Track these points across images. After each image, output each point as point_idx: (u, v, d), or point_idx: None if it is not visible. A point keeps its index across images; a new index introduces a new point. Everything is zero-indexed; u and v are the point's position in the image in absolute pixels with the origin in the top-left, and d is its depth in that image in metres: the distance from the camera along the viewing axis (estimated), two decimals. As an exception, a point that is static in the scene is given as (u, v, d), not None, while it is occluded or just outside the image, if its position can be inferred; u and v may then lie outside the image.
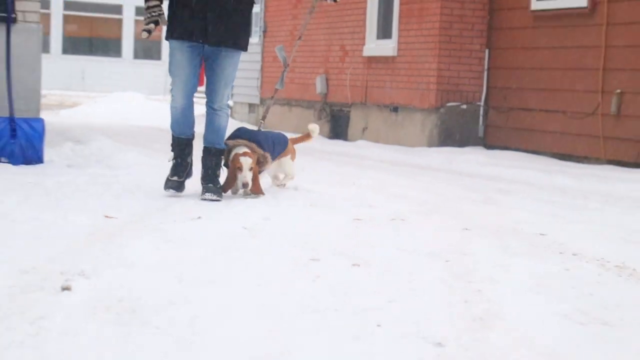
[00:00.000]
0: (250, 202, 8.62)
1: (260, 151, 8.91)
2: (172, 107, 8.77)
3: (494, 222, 8.34)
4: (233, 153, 8.83)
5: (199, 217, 7.65)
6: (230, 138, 9.04)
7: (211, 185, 8.75)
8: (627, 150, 14.20)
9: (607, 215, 9.10)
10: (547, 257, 6.72)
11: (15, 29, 11.40)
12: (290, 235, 7.10)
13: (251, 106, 24.39)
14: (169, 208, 8.09)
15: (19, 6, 11.53)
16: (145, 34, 8.57)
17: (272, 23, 23.49)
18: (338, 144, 18.74)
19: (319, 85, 20.78)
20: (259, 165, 8.92)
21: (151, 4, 8.55)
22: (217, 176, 8.88)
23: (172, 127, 8.86)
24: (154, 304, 4.89)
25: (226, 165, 9.01)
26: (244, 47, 8.78)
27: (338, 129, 20.33)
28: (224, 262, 6.03)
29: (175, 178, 8.77)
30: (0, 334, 4.26)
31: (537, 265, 6.41)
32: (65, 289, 5.10)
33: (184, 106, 8.71)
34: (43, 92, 22.54)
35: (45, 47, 42.01)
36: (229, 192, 9.04)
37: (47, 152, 11.09)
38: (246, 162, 8.68)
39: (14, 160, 10.66)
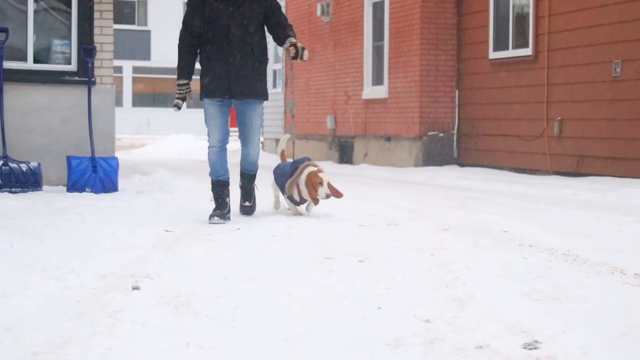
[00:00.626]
0: (278, 215, 8.57)
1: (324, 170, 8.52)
2: (209, 152, 8.31)
3: (467, 223, 8.27)
4: (307, 171, 8.36)
5: (238, 229, 7.59)
6: (293, 166, 8.61)
7: (247, 202, 8.64)
8: (568, 163, 14.16)
9: (555, 214, 9.03)
10: (509, 249, 6.65)
11: (95, 89, 11.43)
12: (309, 239, 7.05)
13: (277, 141, 24.36)
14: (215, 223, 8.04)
15: (97, 72, 11.57)
16: (175, 109, 8.23)
17: (291, 75, 23.47)
18: (345, 167, 18.70)
19: (329, 122, 20.74)
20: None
21: (181, 82, 8.16)
22: (253, 195, 8.66)
23: (211, 172, 8.38)
24: (204, 297, 4.85)
25: (290, 198, 8.61)
26: (263, 97, 8.38)
27: (345, 155, 20.28)
28: (258, 263, 5.98)
29: (218, 211, 8.16)
30: (86, 324, 4.24)
31: (502, 255, 6.34)
32: (136, 288, 5.07)
33: (219, 150, 8.28)
34: (117, 136, 22.56)
35: (119, 102, 42.15)
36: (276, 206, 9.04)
37: (121, 183, 11.08)
38: (325, 177, 8.30)
39: (96, 189, 10.66)
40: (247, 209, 8.65)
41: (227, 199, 8.28)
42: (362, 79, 19.36)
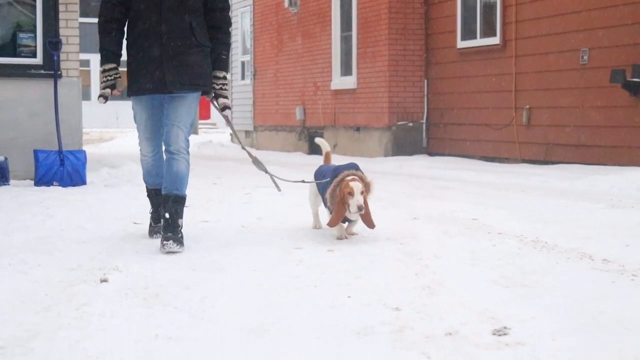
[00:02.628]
0: (246, 205, 8.53)
1: (367, 179, 6.67)
2: (142, 160, 6.72)
3: (436, 211, 8.28)
4: (339, 179, 6.52)
5: (206, 221, 7.55)
6: (335, 173, 6.66)
7: (171, 234, 6.10)
8: (537, 151, 14.21)
9: (524, 202, 9.06)
10: (478, 236, 6.67)
11: (61, 82, 11.33)
12: (278, 229, 7.04)
13: (247, 133, 24.30)
14: (183, 214, 7.99)
15: (63, 65, 11.46)
16: (102, 100, 6.47)
17: (260, 67, 23.39)
18: (315, 159, 18.62)
19: (298, 114, 20.72)
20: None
21: (107, 66, 6.43)
22: (178, 226, 6.22)
23: (145, 179, 6.86)
24: (173, 289, 4.84)
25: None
26: (205, 88, 6.50)
27: (314, 146, 20.24)
28: (226, 253, 5.96)
29: (159, 224, 6.53)
30: (52, 318, 4.21)
31: (471, 243, 6.37)
32: (104, 281, 5.04)
33: (153, 157, 6.64)
34: (86, 130, 22.37)
35: (87, 96, 41.95)
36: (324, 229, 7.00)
37: (89, 176, 11.00)
38: (357, 186, 6.36)
39: (63, 183, 10.58)
40: (171, 241, 6.05)
41: None
42: (330, 69, 19.34)
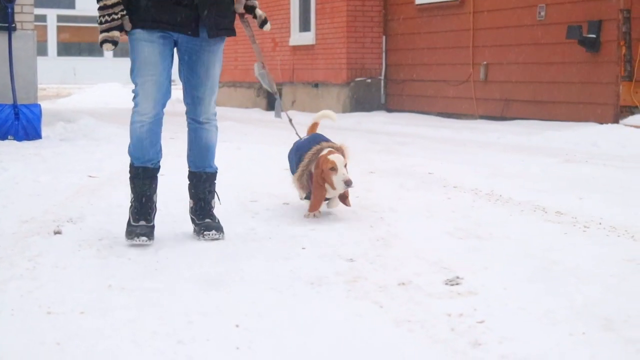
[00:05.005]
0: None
1: (343, 149, 5.74)
2: (135, 122, 4.88)
3: (393, 166, 8.30)
4: (309, 157, 5.69)
5: (162, 174, 7.34)
6: (299, 150, 5.95)
7: (209, 220, 5.07)
8: (494, 108, 14.27)
9: (480, 157, 9.09)
10: (434, 190, 6.70)
11: (15, 35, 11.15)
12: (234, 183, 7.00)
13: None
14: (139, 167, 7.93)
15: (17, 18, 11.28)
16: (109, 46, 4.72)
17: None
18: (273, 115, 18.60)
19: (257, 70, 20.58)
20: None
21: (109, 2, 4.71)
22: (213, 207, 5.18)
23: (133, 152, 4.97)
24: (127, 241, 4.79)
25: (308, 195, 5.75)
26: (234, 31, 5.26)
27: (273, 103, 20.15)
28: (182, 206, 5.91)
29: (142, 223, 4.85)
30: (4, 268, 4.19)
31: (427, 196, 6.39)
32: (57, 232, 5.01)
33: (153, 120, 4.89)
34: (43, 86, 22.10)
35: (44, 51, 41.42)
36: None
37: (44, 130, 10.86)
38: (338, 159, 5.46)
39: (18, 137, 10.46)
40: (212, 230, 4.99)
41: (155, 197, 5.07)
42: (289, 25, 19.24)
